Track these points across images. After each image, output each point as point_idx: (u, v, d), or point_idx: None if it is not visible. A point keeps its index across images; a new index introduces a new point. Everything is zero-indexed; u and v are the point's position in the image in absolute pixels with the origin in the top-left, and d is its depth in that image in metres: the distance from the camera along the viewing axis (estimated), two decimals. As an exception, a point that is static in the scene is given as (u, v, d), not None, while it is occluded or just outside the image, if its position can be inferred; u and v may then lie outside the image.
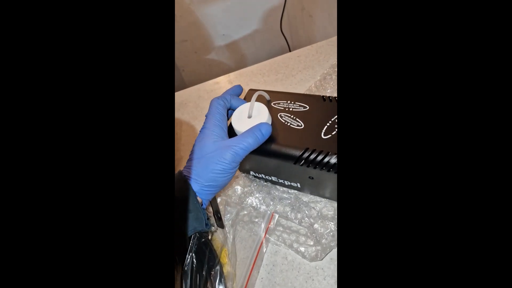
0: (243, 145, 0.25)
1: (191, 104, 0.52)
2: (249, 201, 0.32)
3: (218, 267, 0.27)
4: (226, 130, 0.28)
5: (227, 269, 0.28)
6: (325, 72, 0.40)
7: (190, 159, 0.27)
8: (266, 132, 0.26)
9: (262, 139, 0.26)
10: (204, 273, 0.25)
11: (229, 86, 0.52)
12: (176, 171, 0.28)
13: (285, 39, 1.17)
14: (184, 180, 0.26)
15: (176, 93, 0.56)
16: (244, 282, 0.27)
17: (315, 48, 0.51)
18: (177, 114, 0.51)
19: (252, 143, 0.25)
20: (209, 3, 1.21)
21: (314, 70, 0.47)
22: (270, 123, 0.29)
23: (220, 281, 0.26)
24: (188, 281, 0.24)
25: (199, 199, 0.26)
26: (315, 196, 0.32)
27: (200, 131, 0.28)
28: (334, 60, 0.46)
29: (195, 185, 0.25)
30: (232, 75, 0.55)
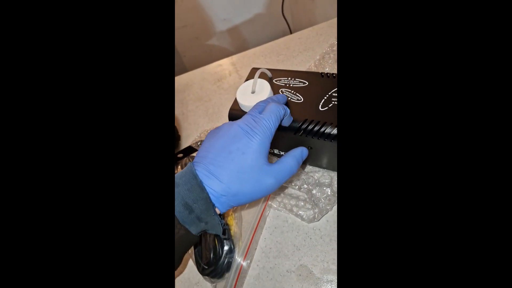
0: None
1: (196, 86, 0.54)
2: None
3: (226, 228, 0.30)
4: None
5: (234, 230, 0.31)
6: (324, 51, 0.42)
7: (216, 158, 0.22)
8: (305, 154, 0.25)
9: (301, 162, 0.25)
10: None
11: (232, 68, 0.54)
12: (178, 150, 0.27)
13: (287, 23, 1.16)
14: (201, 188, 0.21)
15: (180, 76, 0.58)
16: (248, 241, 0.30)
17: (315, 30, 0.53)
18: (183, 95, 0.53)
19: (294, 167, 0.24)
20: (209, -14, 1.19)
21: (314, 51, 0.49)
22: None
23: (224, 232, 0.29)
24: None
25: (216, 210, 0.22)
26: (314, 167, 0.35)
27: (241, 130, 0.23)
28: (333, 40, 0.47)
29: (215, 187, 0.21)
30: (234, 57, 0.56)
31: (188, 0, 1.23)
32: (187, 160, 0.37)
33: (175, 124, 0.46)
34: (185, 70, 1.19)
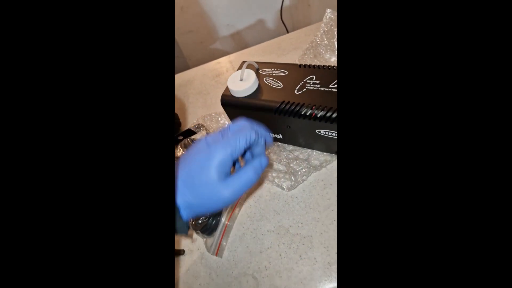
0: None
1: (196, 81, 0.60)
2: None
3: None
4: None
5: (223, 195, 0.37)
6: (306, 48, 0.47)
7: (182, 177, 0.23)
8: (264, 164, 0.25)
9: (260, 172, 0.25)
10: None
11: (229, 65, 0.60)
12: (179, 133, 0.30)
13: (285, 26, 1.23)
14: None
15: (183, 73, 0.64)
16: (233, 206, 0.35)
17: (304, 31, 0.59)
18: (185, 89, 0.59)
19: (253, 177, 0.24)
20: (214, -6, 1.26)
21: (302, 49, 0.55)
22: (257, 85, 0.37)
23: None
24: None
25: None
26: (294, 146, 0.40)
27: (205, 144, 0.24)
28: (314, 38, 0.53)
29: (178, 199, 0.22)
30: (232, 56, 0.63)
31: (194, 6, 1.31)
32: (186, 141, 0.43)
33: (178, 113, 0.51)
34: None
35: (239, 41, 1.49)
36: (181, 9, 1.41)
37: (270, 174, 0.38)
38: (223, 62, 0.62)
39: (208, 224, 0.34)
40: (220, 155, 0.22)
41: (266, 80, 0.37)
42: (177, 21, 1.44)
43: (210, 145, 0.23)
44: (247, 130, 0.24)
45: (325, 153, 0.38)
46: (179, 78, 0.63)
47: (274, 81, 0.37)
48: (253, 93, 0.36)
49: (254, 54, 0.60)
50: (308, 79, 0.35)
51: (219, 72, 0.60)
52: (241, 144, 0.23)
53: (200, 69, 0.63)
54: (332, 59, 0.42)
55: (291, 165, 0.37)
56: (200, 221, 0.34)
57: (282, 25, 1.25)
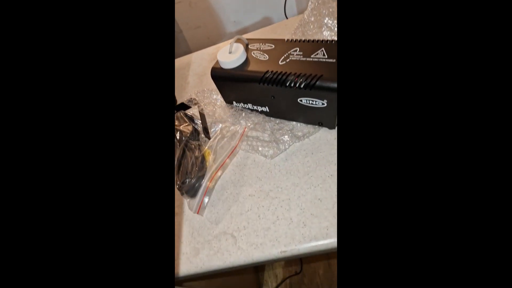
0: None
1: (195, 64, 0.62)
2: (230, 122, 0.42)
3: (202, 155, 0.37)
4: None
5: (208, 160, 0.38)
6: (295, 27, 0.49)
7: None
8: None
9: None
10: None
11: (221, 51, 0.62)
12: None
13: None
14: None
15: (183, 57, 0.67)
16: (216, 169, 0.37)
17: (299, 18, 0.60)
18: (183, 71, 0.62)
19: None
20: (221, -10, 1.29)
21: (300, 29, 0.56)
22: (245, 57, 0.39)
23: (202, 161, 0.36)
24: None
25: None
26: (280, 120, 0.41)
27: None
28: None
29: None
30: (229, 41, 0.65)
31: (202, 2, 1.35)
32: (179, 114, 0.45)
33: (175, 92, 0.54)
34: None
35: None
36: (189, 5, 1.45)
37: (255, 143, 0.40)
38: (221, 47, 0.64)
39: (192, 185, 0.36)
40: None
41: (253, 53, 0.39)
42: (186, 17, 1.48)
43: None
44: None
45: (308, 126, 0.39)
46: (179, 61, 0.66)
47: (261, 54, 0.38)
48: (240, 65, 0.38)
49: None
50: (292, 51, 0.37)
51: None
52: None
53: (199, 53, 0.66)
54: (318, 35, 0.43)
55: (275, 134, 0.38)
56: (185, 182, 0.36)
57: (286, 19, 1.27)
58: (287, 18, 1.26)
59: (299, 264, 1.00)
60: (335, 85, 0.31)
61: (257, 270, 1.04)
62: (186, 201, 0.37)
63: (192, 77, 0.59)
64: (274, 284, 0.99)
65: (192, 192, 0.36)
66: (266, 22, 1.43)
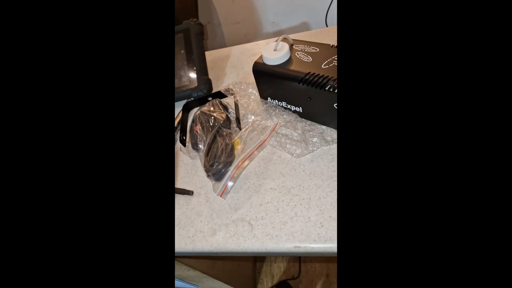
0: None
1: (233, 57, 0.64)
2: (262, 117, 0.44)
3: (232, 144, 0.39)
4: None
5: (237, 149, 0.40)
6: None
7: None
8: None
9: None
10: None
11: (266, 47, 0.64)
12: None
13: (327, 30, 1.24)
14: None
15: (222, 49, 0.69)
16: (244, 159, 0.39)
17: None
18: (222, 62, 0.64)
19: None
20: (264, -10, 1.31)
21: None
22: (288, 56, 0.40)
23: (231, 150, 0.38)
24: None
25: None
26: (311, 122, 0.42)
27: None
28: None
29: None
30: (269, 40, 0.66)
31: (245, 0, 1.38)
32: (215, 101, 0.47)
33: (211, 79, 0.56)
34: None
35: (281, 38, 1.52)
36: (232, 1, 1.48)
37: (283, 140, 0.41)
38: (261, 44, 0.66)
39: (219, 169, 0.37)
40: None
41: (297, 54, 0.40)
42: (226, 11, 1.52)
43: None
44: None
45: (339, 132, 0.40)
46: (218, 52, 0.68)
47: (305, 55, 0.40)
48: (283, 63, 0.40)
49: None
50: (336, 57, 0.37)
51: (256, 52, 0.64)
52: None
53: (238, 47, 0.68)
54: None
55: (305, 135, 0.39)
56: (214, 166, 0.38)
57: (325, 28, 1.27)
58: (327, 26, 1.26)
59: (297, 267, 1.00)
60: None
61: (255, 265, 1.05)
62: (211, 183, 0.39)
63: (229, 69, 0.61)
64: (270, 284, 1.00)
65: (218, 175, 0.37)
66: (303, 27, 1.43)
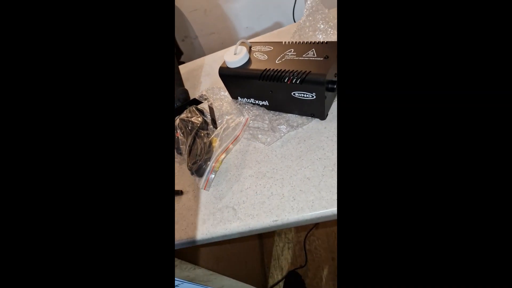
0: None
1: (207, 66, 0.70)
2: (235, 114, 0.48)
3: (208, 141, 0.43)
4: None
5: (215, 145, 0.44)
6: (294, 31, 0.55)
7: None
8: None
9: None
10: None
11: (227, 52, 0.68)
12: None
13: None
14: None
15: (196, 60, 0.74)
16: (223, 149, 0.43)
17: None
18: (196, 72, 0.69)
19: None
20: (234, -2, 1.37)
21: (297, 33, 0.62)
22: (247, 58, 0.45)
23: (209, 146, 0.43)
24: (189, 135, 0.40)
25: None
26: (278, 112, 0.47)
27: None
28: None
29: None
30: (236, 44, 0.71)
31: (217, 10, 1.44)
32: (191, 108, 0.52)
33: (188, 90, 0.61)
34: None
35: (256, 42, 1.57)
36: (204, 12, 1.54)
37: (255, 132, 0.45)
38: (231, 49, 0.71)
39: (200, 165, 0.42)
40: None
41: (255, 54, 0.45)
42: (201, 23, 1.58)
43: None
44: None
45: (302, 117, 0.45)
46: (193, 64, 0.73)
47: (262, 54, 0.45)
48: (243, 64, 0.44)
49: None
50: (287, 52, 0.42)
51: (227, 58, 0.69)
52: None
53: (211, 56, 0.73)
54: (312, 38, 0.49)
55: (273, 124, 0.44)
56: (195, 164, 0.42)
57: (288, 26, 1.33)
58: (294, 20, 1.31)
59: (303, 256, 1.03)
60: (321, 79, 0.37)
61: (263, 262, 1.09)
62: (196, 179, 0.43)
63: (204, 77, 0.66)
64: (280, 276, 1.04)
65: (200, 171, 0.42)
66: (276, 27, 1.49)
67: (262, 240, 1.15)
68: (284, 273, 1.05)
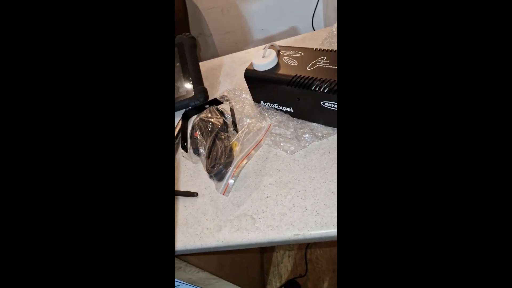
0: None
1: (226, 66, 0.68)
2: (256, 119, 0.47)
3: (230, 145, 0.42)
4: None
5: (235, 150, 0.43)
6: (324, 38, 0.54)
7: None
8: None
9: None
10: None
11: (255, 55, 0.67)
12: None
13: (314, 33, 1.29)
14: None
15: (214, 59, 0.73)
16: (242, 158, 0.42)
17: (327, 30, 0.65)
18: (215, 71, 0.67)
19: None
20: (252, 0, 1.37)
21: (328, 40, 0.61)
22: (276, 62, 0.43)
23: (230, 151, 0.41)
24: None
25: None
26: (302, 121, 0.46)
27: None
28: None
29: None
30: (259, 47, 0.70)
31: (234, 9, 1.43)
32: (211, 108, 0.50)
33: (207, 88, 0.59)
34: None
35: (271, 44, 1.57)
36: (221, 11, 1.53)
37: (278, 139, 0.44)
38: (252, 52, 0.69)
39: (220, 170, 0.40)
40: None
41: (284, 59, 0.44)
42: (217, 22, 1.57)
43: None
44: None
45: (328, 127, 0.43)
46: (211, 62, 0.72)
47: (291, 59, 0.43)
48: (272, 68, 0.43)
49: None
50: (320, 59, 0.41)
51: (247, 60, 0.67)
52: None
53: (230, 56, 0.71)
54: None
55: (297, 132, 0.43)
56: (215, 167, 0.41)
57: (313, 31, 1.32)
58: (314, 29, 1.30)
59: (304, 266, 1.02)
60: (356, 91, 0.35)
61: (262, 268, 1.07)
62: (214, 183, 0.42)
63: (223, 77, 0.65)
64: (278, 283, 1.02)
65: (219, 176, 0.40)
66: (292, 32, 1.48)
67: (262, 246, 1.13)
68: (283, 281, 1.03)
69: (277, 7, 1.37)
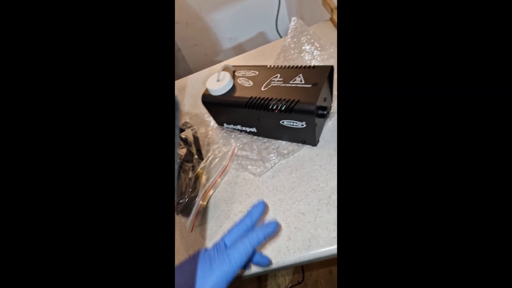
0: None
1: (189, 87, 0.67)
2: (221, 143, 0.45)
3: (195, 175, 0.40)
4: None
5: (201, 181, 0.41)
6: (278, 52, 0.53)
7: None
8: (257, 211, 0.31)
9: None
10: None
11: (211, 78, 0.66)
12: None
13: (280, 37, 1.30)
14: None
15: (178, 80, 0.71)
16: (209, 187, 0.40)
17: (284, 39, 0.64)
18: (181, 94, 0.65)
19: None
20: (216, 10, 1.36)
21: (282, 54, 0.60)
22: (231, 85, 0.42)
23: (195, 182, 0.39)
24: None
25: None
26: (267, 139, 0.45)
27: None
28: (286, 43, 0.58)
29: None
30: (223, 63, 0.69)
31: (199, 22, 1.41)
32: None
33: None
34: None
35: (241, 52, 1.57)
36: (185, 25, 1.51)
37: (244, 162, 0.43)
38: (214, 69, 0.68)
39: (186, 205, 0.39)
40: (221, 274, 0.27)
41: (239, 80, 0.43)
42: (183, 36, 1.55)
43: (211, 264, 0.27)
44: (245, 248, 0.28)
45: (293, 144, 0.42)
46: (176, 84, 0.70)
47: (246, 80, 0.42)
48: (227, 91, 0.42)
49: (241, 60, 0.66)
50: (274, 78, 0.40)
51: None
52: (241, 261, 0.28)
53: (194, 75, 0.70)
54: (298, 59, 0.47)
55: (262, 153, 0.41)
56: (180, 202, 0.39)
57: (278, 35, 1.32)
58: (279, 33, 1.30)
59: (301, 273, 1.01)
60: (311, 108, 0.35)
61: (260, 280, 1.05)
62: (181, 219, 0.40)
63: (188, 99, 0.63)
64: (277, 294, 1.00)
65: (186, 211, 0.39)
66: (260, 37, 1.48)
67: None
68: (282, 290, 1.02)
69: (241, 15, 1.37)
